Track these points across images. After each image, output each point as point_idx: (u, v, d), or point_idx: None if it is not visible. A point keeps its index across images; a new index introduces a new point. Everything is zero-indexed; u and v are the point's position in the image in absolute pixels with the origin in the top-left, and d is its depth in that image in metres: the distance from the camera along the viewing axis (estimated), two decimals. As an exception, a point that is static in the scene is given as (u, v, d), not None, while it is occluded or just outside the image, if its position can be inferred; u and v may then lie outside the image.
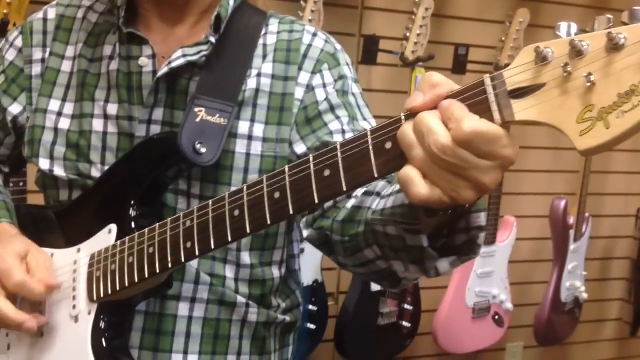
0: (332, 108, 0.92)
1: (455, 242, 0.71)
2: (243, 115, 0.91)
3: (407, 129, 0.61)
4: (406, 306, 2.33)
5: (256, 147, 0.91)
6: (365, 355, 2.37)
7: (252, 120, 0.92)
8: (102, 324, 0.86)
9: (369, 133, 0.65)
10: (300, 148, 0.91)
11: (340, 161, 0.66)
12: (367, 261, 0.81)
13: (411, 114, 0.62)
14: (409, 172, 0.61)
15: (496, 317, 2.44)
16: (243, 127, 0.91)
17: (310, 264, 2.17)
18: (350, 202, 0.84)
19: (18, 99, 1.01)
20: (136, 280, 0.82)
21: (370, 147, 0.64)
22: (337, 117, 0.92)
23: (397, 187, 0.75)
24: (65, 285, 0.89)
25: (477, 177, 0.59)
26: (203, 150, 0.86)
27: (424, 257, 0.72)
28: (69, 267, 0.90)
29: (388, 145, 0.63)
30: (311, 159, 0.69)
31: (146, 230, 0.83)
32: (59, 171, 0.96)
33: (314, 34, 0.96)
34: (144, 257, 0.82)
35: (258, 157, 0.91)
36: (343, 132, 0.91)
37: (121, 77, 0.94)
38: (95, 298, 0.86)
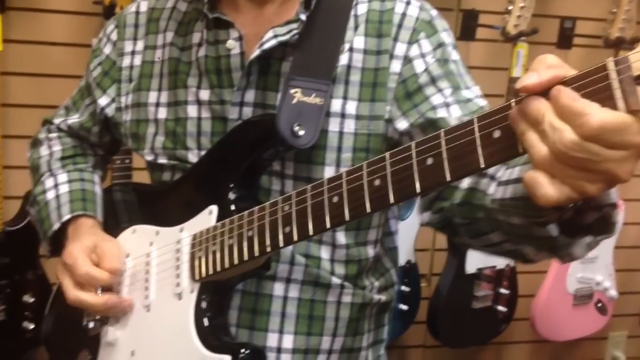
0: (433, 80, 0.89)
1: (587, 221, 0.67)
2: (336, 93, 0.90)
3: (523, 128, 0.57)
4: (502, 290, 2.27)
5: (349, 125, 0.90)
6: (459, 339, 2.33)
7: (345, 97, 0.90)
8: (204, 303, 0.88)
9: (475, 121, 0.62)
10: (402, 124, 0.89)
11: (444, 151, 0.64)
12: (493, 244, 0.79)
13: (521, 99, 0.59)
14: (534, 175, 0.57)
15: (599, 304, 2.34)
16: (336, 105, 0.90)
17: (404, 244, 2.15)
18: (465, 182, 0.81)
19: (108, 91, 1.05)
20: (236, 262, 0.84)
21: (477, 137, 0.61)
22: (440, 90, 0.88)
23: (514, 173, 0.72)
24: (170, 264, 0.92)
25: (609, 169, 0.55)
26: (301, 132, 0.85)
27: (555, 246, 0.69)
28: (172, 246, 0.93)
29: (497, 134, 0.60)
30: (413, 146, 0.67)
31: (245, 213, 0.84)
32: (161, 160, 0.99)
33: (408, 2, 0.92)
34: (243, 241, 0.83)
35: (352, 136, 0.90)
36: (447, 105, 0.87)
37: (210, 62, 0.94)
38: (197, 277, 0.88)
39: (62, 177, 1.09)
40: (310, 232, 0.76)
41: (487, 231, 0.78)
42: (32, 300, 2.04)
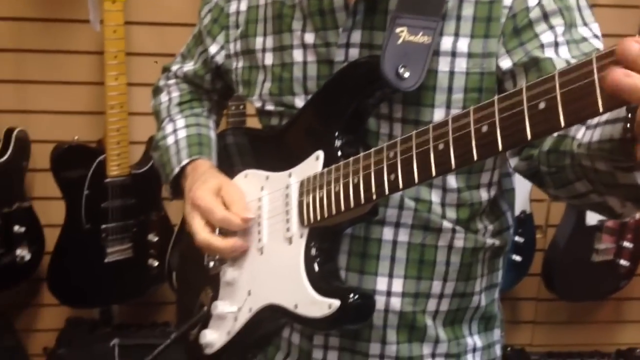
0: (545, 16, 0.83)
1: None
2: (446, 30, 0.85)
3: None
4: (625, 244, 2.16)
5: (461, 65, 0.86)
6: (575, 292, 2.26)
7: (456, 34, 0.85)
8: (313, 248, 0.89)
9: (594, 60, 0.57)
10: (505, 63, 0.84)
11: (558, 94, 0.59)
12: (579, 194, 0.76)
13: None
14: None
15: None
16: (446, 43, 0.86)
17: (519, 194, 2.07)
18: None
19: (217, 39, 1.07)
20: (342, 209, 0.84)
21: (596, 78, 0.56)
22: (551, 27, 0.82)
23: (603, 116, 0.67)
24: (280, 209, 0.94)
25: None
26: (407, 74, 0.83)
27: None
28: (282, 191, 0.95)
29: (618, 76, 0.56)
30: (524, 90, 0.63)
31: (351, 160, 0.84)
32: (269, 107, 1.00)
33: None
34: (350, 188, 0.83)
35: (463, 75, 0.86)
36: (556, 45, 0.82)
37: (313, 4, 0.93)
38: (305, 223, 0.90)
39: (180, 122, 1.14)
40: (416, 180, 0.74)
41: (572, 179, 0.74)
42: (156, 239, 2.18)
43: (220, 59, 1.07)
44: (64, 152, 2.03)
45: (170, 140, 1.12)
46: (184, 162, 1.07)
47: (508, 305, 2.49)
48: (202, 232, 0.96)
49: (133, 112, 2.12)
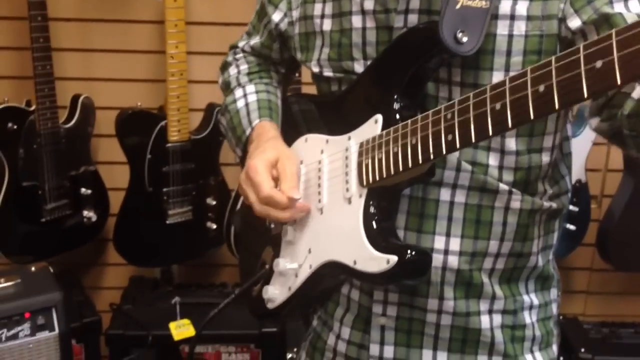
0: None
1: None
2: None
3: None
4: (683, 214, 2.12)
5: (520, 27, 0.86)
6: (630, 263, 2.23)
7: None
8: (372, 207, 0.92)
9: None
10: (574, 23, 0.84)
11: (615, 52, 0.60)
12: None
13: None
14: None
15: None
16: (505, 6, 0.86)
17: (574, 163, 2.06)
18: (637, 92, 0.77)
19: (279, 6, 1.09)
20: (400, 169, 0.87)
21: None
22: None
23: None
24: (339, 170, 0.98)
25: None
26: (465, 39, 0.84)
27: None
28: (341, 153, 0.98)
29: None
30: (581, 49, 0.64)
31: (409, 122, 0.86)
32: (327, 72, 1.02)
33: None
34: (408, 148, 0.85)
35: (522, 38, 0.87)
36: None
37: None
38: (365, 183, 0.93)
39: (250, 87, 1.16)
40: (473, 139, 0.76)
41: None
42: (214, 203, 2.25)
43: (283, 26, 1.09)
44: (128, 118, 2.12)
45: (240, 103, 1.14)
46: (255, 122, 1.09)
47: (561, 275, 2.48)
48: (257, 204, 0.98)
49: (192, 80, 2.18)
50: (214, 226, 2.27)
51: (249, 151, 1.05)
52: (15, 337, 1.25)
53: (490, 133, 0.74)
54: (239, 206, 2.18)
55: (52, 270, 1.42)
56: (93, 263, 2.47)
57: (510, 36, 0.87)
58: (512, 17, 0.87)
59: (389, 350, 1.01)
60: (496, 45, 0.87)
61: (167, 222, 2.20)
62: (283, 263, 1.09)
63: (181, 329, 2.10)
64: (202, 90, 2.23)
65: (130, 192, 2.16)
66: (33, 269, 1.40)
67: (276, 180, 0.99)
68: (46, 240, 2.16)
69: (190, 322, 2.11)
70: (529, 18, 0.86)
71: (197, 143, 2.18)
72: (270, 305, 1.13)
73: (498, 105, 0.72)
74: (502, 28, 0.87)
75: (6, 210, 2.07)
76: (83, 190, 2.21)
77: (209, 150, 2.21)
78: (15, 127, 2.03)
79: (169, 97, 2.09)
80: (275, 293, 1.11)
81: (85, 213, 2.23)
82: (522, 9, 0.86)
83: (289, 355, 2.05)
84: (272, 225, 1.14)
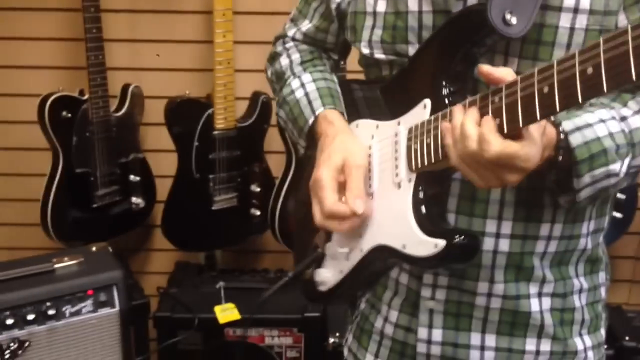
0: None
1: None
2: None
3: None
4: None
5: (582, 21, 0.87)
6: (677, 252, 2.20)
7: None
8: (420, 192, 0.94)
9: None
10: (621, 20, 0.85)
11: None
12: None
13: None
14: None
15: None
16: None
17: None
18: None
19: None
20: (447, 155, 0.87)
21: None
22: None
23: None
24: (389, 155, 0.99)
25: None
26: (514, 20, 0.83)
27: None
28: (391, 138, 0.99)
29: None
30: (629, 29, 0.64)
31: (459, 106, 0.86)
32: (378, 54, 1.02)
33: None
34: None
35: (582, 32, 0.87)
36: None
37: None
38: (414, 168, 0.93)
39: (307, 77, 1.15)
40: (520, 123, 0.76)
41: None
42: (258, 190, 2.30)
43: (344, 5, 1.08)
44: (177, 106, 2.17)
45: (299, 93, 1.13)
46: (319, 110, 1.08)
47: (604, 264, 2.46)
48: (318, 215, 0.99)
49: (238, 69, 2.22)
50: (258, 213, 2.31)
51: (319, 147, 1.04)
52: (78, 313, 1.31)
53: (538, 117, 0.74)
54: (283, 194, 2.22)
55: (111, 250, 1.48)
56: (140, 248, 2.55)
57: (572, 29, 0.87)
58: (576, 10, 0.87)
59: (437, 334, 1.02)
60: (557, 38, 0.88)
61: (213, 208, 2.25)
62: (335, 247, 1.11)
63: (226, 313, 2.15)
64: (247, 79, 2.27)
65: (178, 178, 2.22)
66: (94, 248, 1.46)
67: (343, 186, 0.98)
68: (96, 225, 2.23)
69: (234, 306, 2.16)
70: (591, 12, 0.87)
71: (243, 131, 2.22)
72: (322, 288, 1.15)
73: (546, 88, 0.72)
74: (564, 20, 0.87)
75: (60, 196, 2.14)
76: (132, 177, 2.27)
77: (254, 138, 2.26)
78: (69, 115, 2.10)
79: (216, 85, 2.13)
80: (327, 276, 1.14)
81: (134, 199, 2.29)
82: (585, 3, 0.87)
83: (331, 340, 2.08)
84: None
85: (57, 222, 2.16)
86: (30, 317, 1.27)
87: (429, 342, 1.03)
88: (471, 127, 0.79)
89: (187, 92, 2.20)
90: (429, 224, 0.92)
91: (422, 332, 1.03)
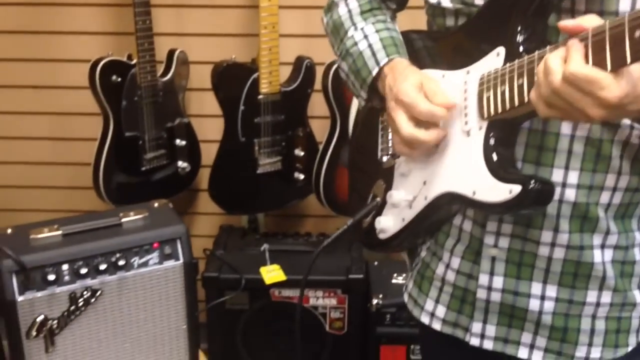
0: None
1: None
2: None
3: None
4: None
5: None
6: None
7: None
8: (491, 139, 0.95)
9: None
10: None
11: None
12: None
13: None
14: None
15: None
16: None
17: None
18: None
19: None
20: (525, 101, 0.87)
21: None
22: None
23: None
24: (457, 103, 1.00)
25: None
26: None
27: None
28: (459, 87, 1.00)
29: None
30: None
31: (536, 53, 0.86)
32: (445, 3, 1.03)
33: None
34: (534, 80, 0.85)
35: None
36: None
37: None
38: (485, 116, 0.94)
39: (369, 28, 1.15)
40: (608, 68, 0.75)
41: None
42: (302, 154, 2.32)
43: None
44: (223, 70, 2.19)
45: (362, 45, 1.13)
46: (384, 61, 1.08)
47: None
48: (406, 126, 0.99)
49: (282, 34, 2.23)
50: (302, 177, 2.34)
51: (386, 85, 1.05)
52: (145, 264, 1.36)
53: (628, 60, 0.73)
54: (327, 158, 2.25)
55: (171, 206, 1.53)
56: (185, 212, 2.59)
57: None
58: None
59: (498, 281, 1.04)
60: None
61: (258, 171, 2.29)
62: (397, 195, 1.13)
63: (272, 274, 2.20)
64: (292, 44, 2.29)
65: (224, 142, 2.25)
66: (156, 204, 1.50)
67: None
68: (145, 188, 2.28)
69: (279, 267, 2.21)
70: None
71: (287, 95, 2.24)
72: (382, 236, 1.18)
73: (637, 33, 0.71)
74: None
75: (111, 159, 2.19)
76: (178, 141, 2.31)
77: (298, 103, 2.28)
78: (119, 80, 2.14)
79: (261, 49, 2.16)
80: (388, 224, 1.16)
81: (180, 164, 2.34)
82: None
83: (374, 301, 2.12)
84: (385, 159, 1.19)
85: (108, 184, 2.22)
86: (102, 267, 1.33)
87: (489, 288, 1.05)
88: (556, 62, 0.78)
89: (233, 56, 2.23)
90: (502, 170, 0.93)
91: (483, 279, 1.05)
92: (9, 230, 1.38)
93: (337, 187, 2.29)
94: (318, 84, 2.26)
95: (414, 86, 0.99)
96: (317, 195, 2.32)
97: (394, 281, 2.20)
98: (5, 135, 2.51)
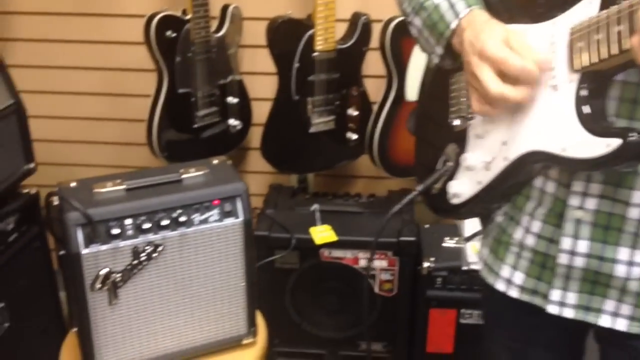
0: None
1: None
2: None
3: None
4: None
5: None
6: None
7: None
8: (583, 92, 0.91)
9: None
10: None
11: None
12: None
13: None
14: None
15: None
16: None
17: None
18: None
19: None
20: (623, 48, 0.82)
21: None
22: None
23: None
24: (548, 58, 0.95)
25: None
26: None
27: None
28: (545, 40, 0.95)
29: None
30: None
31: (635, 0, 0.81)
32: None
33: None
34: (630, 29, 0.80)
35: None
36: None
37: None
38: (576, 68, 0.90)
39: None
40: None
41: None
42: (355, 113, 2.28)
43: None
44: (279, 26, 2.15)
45: None
46: (464, 13, 1.03)
47: None
48: (494, 84, 0.93)
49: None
50: (354, 137, 2.31)
51: (465, 40, 1.01)
52: (205, 221, 1.35)
53: None
54: (383, 118, 2.21)
55: (230, 163, 1.51)
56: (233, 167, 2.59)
57: None
58: None
59: (582, 245, 1.00)
60: None
61: (310, 130, 2.26)
62: (472, 157, 1.10)
63: (322, 234, 2.18)
64: (346, 1, 2.23)
65: (278, 100, 2.22)
66: (215, 161, 1.48)
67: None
68: (197, 146, 2.28)
69: (330, 227, 2.19)
70: None
71: (342, 53, 2.19)
72: (455, 201, 1.15)
73: None
74: None
75: (164, 116, 2.19)
76: (230, 99, 2.29)
77: (353, 61, 2.23)
78: (173, 35, 2.12)
79: (317, 5, 2.10)
80: (462, 188, 1.13)
81: (231, 121, 2.32)
82: None
83: (425, 264, 2.10)
84: (456, 122, 1.15)
85: (161, 141, 2.21)
86: (164, 222, 1.32)
87: (572, 253, 1.01)
88: None
89: (289, 12, 2.18)
90: (595, 124, 0.89)
91: (566, 242, 1.01)
92: (73, 184, 1.38)
93: (391, 148, 2.25)
94: (374, 42, 2.20)
95: (501, 41, 0.95)
96: (370, 156, 2.28)
97: (445, 244, 2.17)
98: (61, 90, 2.52)
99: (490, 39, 0.95)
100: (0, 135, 1.79)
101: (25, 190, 1.91)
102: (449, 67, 1.13)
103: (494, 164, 1.05)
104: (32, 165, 1.91)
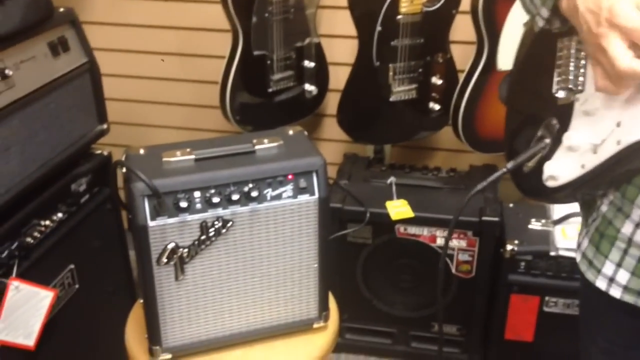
0: None
1: None
2: None
3: None
4: None
5: None
6: None
7: None
8: None
9: None
10: None
11: None
12: None
13: None
14: None
15: None
16: None
17: None
18: None
19: None
20: None
21: None
22: None
23: None
24: None
25: None
26: None
27: None
28: None
29: None
30: None
31: None
32: None
33: None
34: None
35: None
36: None
37: None
38: None
39: None
40: None
41: None
42: (439, 82, 2.14)
43: None
44: (361, -14, 2.02)
45: None
46: None
47: None
48: (625, 57, 0.82)
49: (428, -54, 2.01)
50: (437, 107, 2.16)
51: (580, 3, 0.87)
52: (279, 197, 1.26)
53: None
54: (470, 88, 2.05)
55: (306, 134, 1.40)
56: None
57: None
58: None
59: None
60: None
61: (391, 99, 2.13)
62: (577, 137, 0.97)
63: (399, 209, 2.07)
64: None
65: (357, 65, 2.10)
66: (291, 132, 1.38)
67: None
68: (271, 111, 2.19)
69: (407, 202, 2.08)
70: None
71: (429, 16, 2.03)
72: (550, 184, 1.03)
73: None
74: None
75: (238, 79, 2.10)
76: (306, 62, 2.19)
77: (440, 25, 2.07)
78: (249, -7, 2.02)
79: (404, -36, 1.95)
80: (561, 170, 1.01)
81: (307, 86, 2.22)
82: None
83: (509, 247, 1.96)
84: (561, 94, 1.02)
85: (234, 104, 2.14)
86: (235, 197, 1.24)
87: None
88: None
89: (373, -30, 2.04)
90: None
91: None
92: (142, 151, 1.32)
93: (478, 121, 2.10)
94: (465, 5, 2.03)
95: (634, 6, 0.81)
96: (454, 128, 2.13)
97: (531, 226, 2.02)
98: (133, 48, 2.48)
99: (623, 5, 0.81)
100: (74, 95, 1.74)
101: (98, 151, 1.88)
102: (558, 30, 1.00)
103: (603, 146, 0.92)
104: (105, 126, 1.87)
